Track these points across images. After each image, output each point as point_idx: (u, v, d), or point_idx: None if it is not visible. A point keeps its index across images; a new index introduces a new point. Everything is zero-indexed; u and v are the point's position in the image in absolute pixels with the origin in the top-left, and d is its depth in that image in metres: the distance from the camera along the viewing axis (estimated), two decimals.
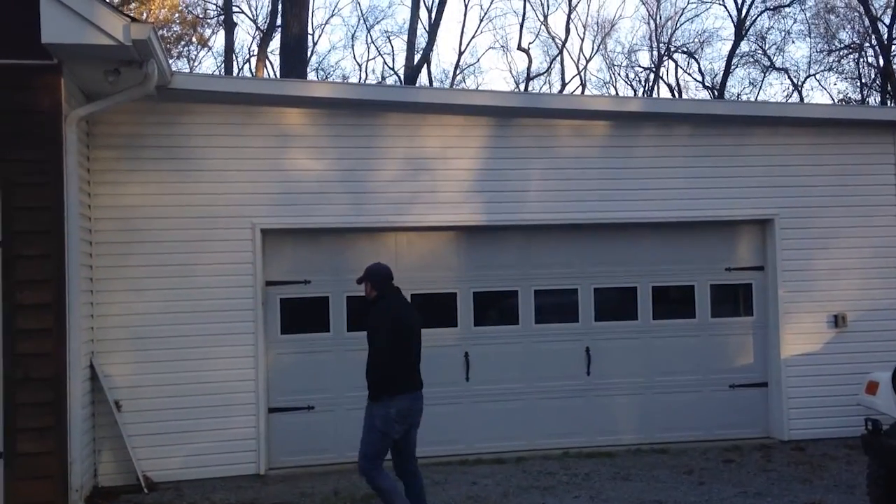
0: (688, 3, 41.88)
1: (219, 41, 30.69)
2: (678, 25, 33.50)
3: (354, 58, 49.45)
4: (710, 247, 8.94)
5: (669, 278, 8.89)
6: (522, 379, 8.54)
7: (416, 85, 26.11)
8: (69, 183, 6.40)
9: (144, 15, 20.35)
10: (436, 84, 32.13)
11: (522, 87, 33.52)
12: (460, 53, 40.19)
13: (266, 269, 7.93)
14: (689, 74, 40.92)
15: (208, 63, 31.39)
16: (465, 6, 35.85)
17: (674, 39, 33.22)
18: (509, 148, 8.36)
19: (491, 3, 49.89)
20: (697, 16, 48.41)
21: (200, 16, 25.91)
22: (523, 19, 34.99)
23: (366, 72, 34.89)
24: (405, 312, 5.78)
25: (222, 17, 24.93)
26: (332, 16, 50.69)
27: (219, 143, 7.76)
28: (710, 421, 8.80)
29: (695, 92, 33.11)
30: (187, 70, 25.24)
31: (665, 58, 33.28)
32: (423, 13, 28.62)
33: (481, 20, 52.00)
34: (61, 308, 6.27)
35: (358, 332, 8.19)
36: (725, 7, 42.91)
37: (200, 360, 7.54)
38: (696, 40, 33.72)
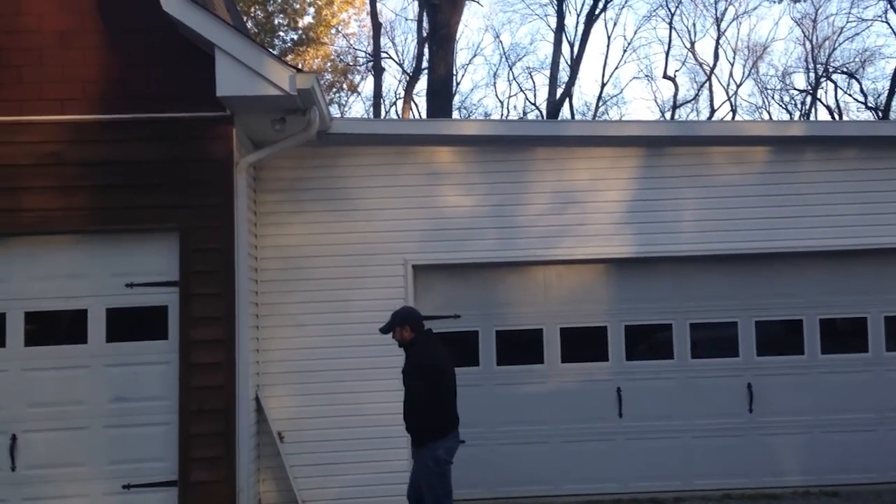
0: (846, 22, 39.78)
1: (366, 86, 32.00)
2: (837, 45, 31.78)
3: (496, 95, 50.11)
4: (883, 276, 8.35)
5: (839, 310, 8.36)
6: (678, 416, 8.24)
7: (561, 118, 26.13)
8: (239, 225, 6.83)
9: (300, 65, 21.55)
10: (578, 116, 32.01)
11: (669, 115, 32.79)
12: (603, 85, 39.85)
13: (417, 304, 8.08)
14: (849, 95, 38.68)
15: (357, 107, 32.79)
16: (608, 38, 35.77)
17: (832, 60, 31.56)
18: (661, 178, 8.19)
19: (635, 34, 49.37)
20: (858, 34, 45.90)
21: (351, 63, 27.14)
22: (669, 47, 34.24)
23: (507, 108, 35.26)
24: (441, 354, 5.77)
25: (371, 64, 25.99)
26: (475, 56, 51.72)
27: (373, 182, 8.05)
28: (884, 462, 8.15)
29: (857, 113, 31.25)
30: (339, 115, 26.44)
31: (823, 79, 31.65)
32: (565, 47, 28.70)
33: (625, 50, 51.48)
34: (231, 343, 6.66)
35: (507, 367, 8.25)
36: (889, 24, 40.40)
37: (356, 392, 7.77)
38: (857, 59, 31.83)
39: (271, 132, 7.13)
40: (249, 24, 21.29)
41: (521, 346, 8.29)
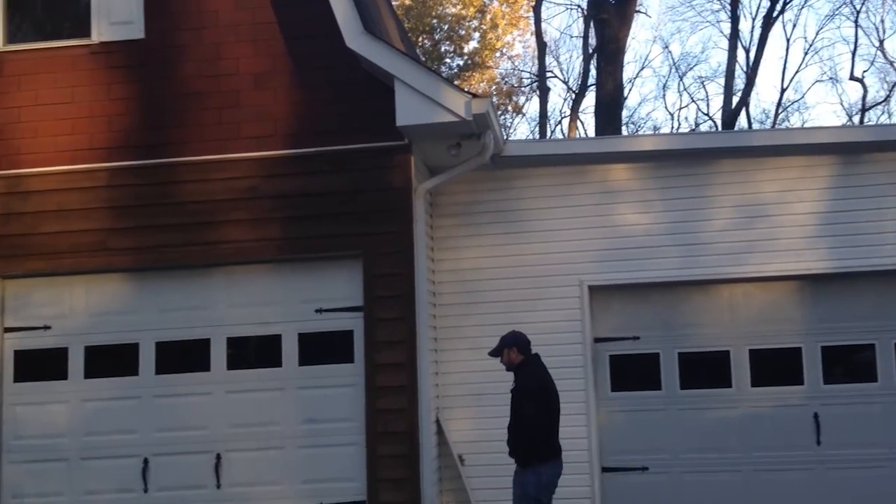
0: None
1: (531, 107, 32.01)
2: None
3: (666, 107, 48.65)
4: None
5: None
6: (884, 443, 7.55)
7: (741, 128, 24.96)
8: (418, 251, 6.99)
9: (468, 90, 21.94)
10: (756, 125, 30.43)
11: (857, 119, 30.49)
12: (783, 90, 37.64)
13: (594, 326, 7.93)
14: None
15: (522, 129, 32.94)
16: (787, 40, 33.79)
17: None
18: (858, 187, 7.59)
19: (817, 34, 46.38)
20: None
21: (515, 85, 27.32)
22: (855, 47, 31.88)
23: (678, 120, 34.11)
24: (547, 378, 5.79)
25: (536, 84, 26.04)
26: (643, 68, 50.56)
27: (547, 203, 8.00)
28: None
29: None
30: (505, 137, 26.61)
31: None
32: (739, 53, 27.45)
33: (806, 52, 48.43)
34: (413, 366, 6.81)
35: (692, 391, 7.89)
36: None
37: None
38: None
39: (447, 158, 7.27)
40: (417, 53, 21.98)
41: (706, 369, 7.91)
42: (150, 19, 7.33)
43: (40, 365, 7.27)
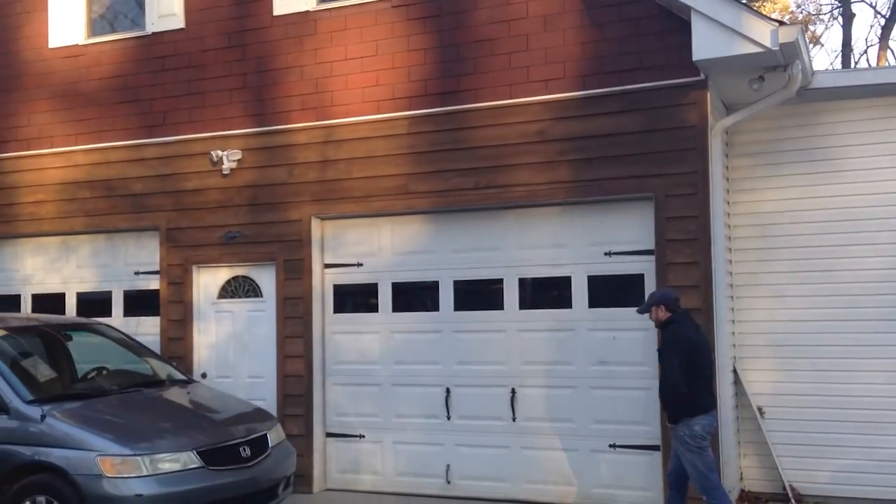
0: None
1: (830, 37, 28.96)
2: None
3: None
4: None
5: None
6: None
7: None
8: (714, 192, 6.66)
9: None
10: None
11: None
12: None
13: None
14: None
15: (821, 60, 29.84)
16: None
17: None
18: None
19: None
20: None
21: (813, 13, 24.81)
22: None
23: None
24: (695, 334, 5.81)
25: (839, 10, 23.45)
26: None
27: (861, 140, 7.22)
28: None
29: None
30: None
31: None
32: None
33: None
34: (709, 313, 6.55)
35: None
36: None
37: (843, 371, 7.10)
38: None
39: (747, 93, 6.80)
40: None
41: None
42: None
43: (354, 298, 8.01)
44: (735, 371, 7.27)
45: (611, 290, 7.08)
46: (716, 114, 6.93)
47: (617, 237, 7.07)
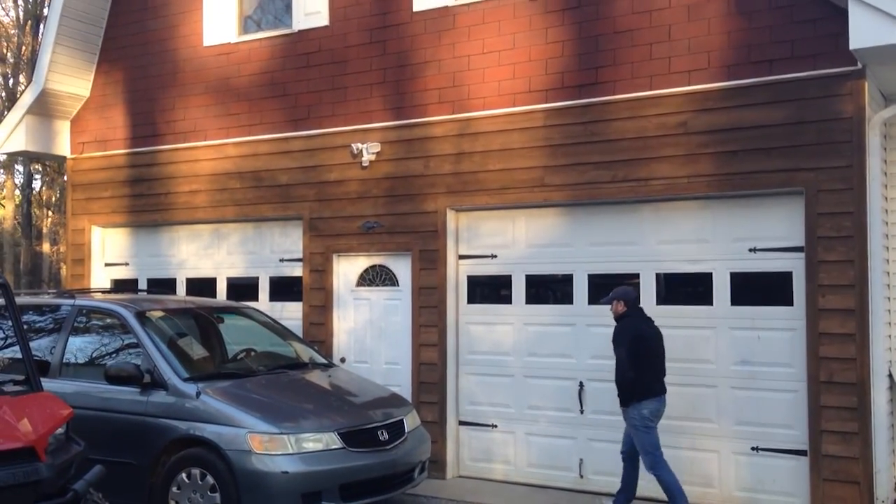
0: None
1: None
2: None
3: None
4: None
5: None
6: None
7: None
8: (871, 187, 6.33)
9: None
10: None
11: None
12: None
13: None
14: None
15: None
16: None
17: None
18: None
19: None
20: None
21: None
22: None
23: None
24: (646, 327, 6.44)
25: None
26: None
27: None
28: None
29: None
30: None
31: None
32: None
33: None
34: (864, 313, 6.24)
35: None
36: None
37: None
38: None
39: None
40: None
41: None
42: None
43: (488, 289, 8.10)
44: (891, 375, 6.87)
45: (755, 288, 6.84)
46: (874, 105, 6.57)
47: (762, 233, 6.82)
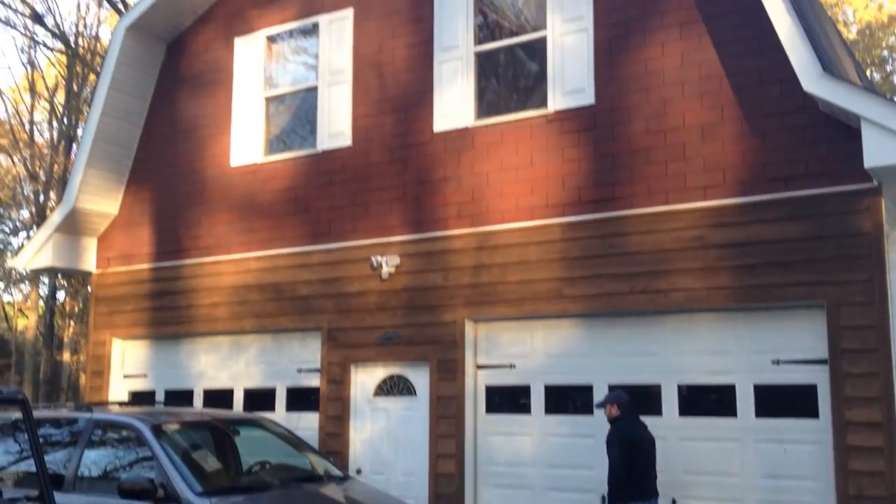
0: None
1: None
2: None
3: None
4: None
5: None
6: None
7: None
8: (893, 301, 6.34)
9: None
10: None
11: None
12: None
13: None
14: None
15: None
16: None
17: None
18: None
19: None
20: None
21: None
22: None
23: None
24: (639, 431, 6.54)
25: None
26: None
27: None
28: None
29: None
30: None
31: None
32: None
33: None
34: (891, 426, 6.14)
35: None
36: None
37: None
38: None
39: None
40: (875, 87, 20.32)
41: None
42: (600, 86, 7.81)
43: (506, 399, 8.03)
44: None
45: (780, 400, 6.78)
46: (890, 221, 6.69)
47: (784, 345, 6.82)
